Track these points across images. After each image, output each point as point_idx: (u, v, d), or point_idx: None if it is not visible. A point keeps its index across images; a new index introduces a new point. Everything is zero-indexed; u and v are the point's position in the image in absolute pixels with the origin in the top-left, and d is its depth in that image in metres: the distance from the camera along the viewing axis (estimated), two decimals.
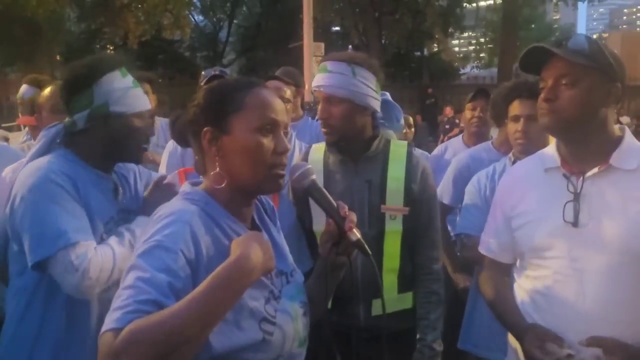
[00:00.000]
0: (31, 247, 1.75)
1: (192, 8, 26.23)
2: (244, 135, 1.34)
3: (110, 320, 1.10)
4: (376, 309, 2.18)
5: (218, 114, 1.36)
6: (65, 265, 1.71)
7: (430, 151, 4.68)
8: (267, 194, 1.54)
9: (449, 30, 27.21)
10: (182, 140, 1.54)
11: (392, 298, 2.20)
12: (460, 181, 3.12)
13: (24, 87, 3.90)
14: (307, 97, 7.97)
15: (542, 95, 1.75)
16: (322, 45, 12.95)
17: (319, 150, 2.32)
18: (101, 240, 1.84)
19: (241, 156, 1.35)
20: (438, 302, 2.24)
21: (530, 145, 2.42)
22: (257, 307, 1.32)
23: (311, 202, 2.17)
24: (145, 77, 4.62)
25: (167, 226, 1.25)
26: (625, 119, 10.45)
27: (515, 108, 2.57)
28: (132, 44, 19.42)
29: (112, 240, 1.84)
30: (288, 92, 4.22)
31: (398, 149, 2.27)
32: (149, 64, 22.79)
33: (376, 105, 2.22)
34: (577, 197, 1.71)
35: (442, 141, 7.59)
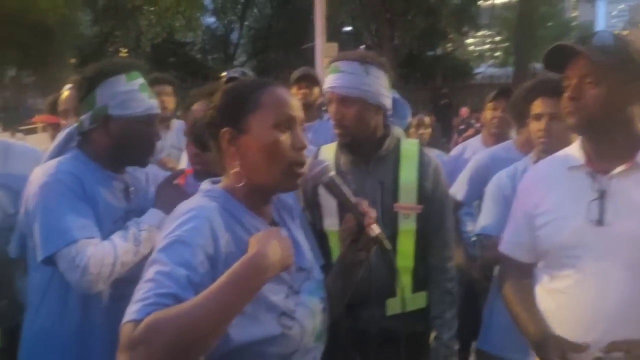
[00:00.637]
0: (40, 244, 1.84)
1: (203, 10, 26.34)
2: (262, 133, 1.36)
3: (130, 312, 1.13)
4: (391, 308, 2.17)
5: (235, 114, 1.38)
6: (67, 262, 1.79)
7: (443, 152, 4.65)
8: (286, 192, 1.54)
9: (463, 29, 27.07)
10: (201, 144, 1.55)
11: (407, 298, 2.19)
12: (477, 179, 3.09)
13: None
14: (321, 98, 7.95)
15: (566, 94, 1.73)
16: (336, 45, 12.86)
17: (329, 150, 2.31)
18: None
19: (260, 154, 1.36)
20: (452, 302, 2.24)
21: (553, 144, 2.39)
22: (277, 301, 1.34)
23: (321, 202, 2.18)
24: (167, 79, 4.64)
25: (187, 222, 1.27)
26: None
27: (538, 106, 2.53)
28: (144, 46, 19.54)
29: (116, 235, 1.89)
30: (316, 91, 4.21)
31: (409, 148, 2.26)
32: (160, 66, 22.82)
33: (388, 103, 2.21)
34: (602, 195, 1.70)
35: (457, 142, 7.54)
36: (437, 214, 2.22)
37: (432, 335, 2.24)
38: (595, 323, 1.64)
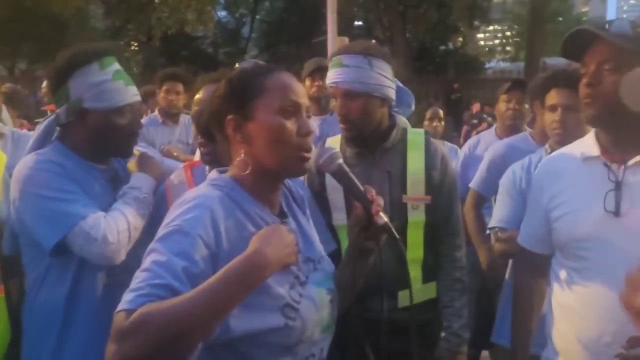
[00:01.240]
0: (44, 235, 1.79)
1: (215, 4, 26.34)
2: (267, 119, 1.34)
3: (124, 302, 1.12)
4: (403, 300, 2.16)
5: (240, 101, 1.37)
6: (83, 238, 1.74)
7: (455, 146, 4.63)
8: (293, 177, 1.53)
9: (475, 24, 26.91)
10: (207, 135, 1.54)
11: (417, 289, 2.18)
12: (494, 171, 3.07)
13: None
14: None
15: (584, 81, 1.70)
16: (347, 39, 12.80)
17: (334, 143, 2.28)
18: None
19: (266, 140, 1.35)
20: (462, 290, 2.22)
21: (568, 135, 2.37)
22: (281, 292, 1.32)
23: (329, 196, 2.16)
24: (180, 76, 4.64)
25: (187, 211, 1.25)
26: None
27: (553, 97, 2.51)
28: (155, 40, 19.56)
29: (117, 204, 1.88)
30: None
31: (416, 138, 2.24)
32: (172, 60, 22.90)
33: (392, 94, 2.19)
34: (618, 186, 1.68)
35: (470, 136, 7.51)
36: (445, 203, 2.21)
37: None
38: (616, 315, 1.62)
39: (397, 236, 1.44)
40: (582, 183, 1.78)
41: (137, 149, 2.09)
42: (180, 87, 4.52)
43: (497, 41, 43.25)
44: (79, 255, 1.80)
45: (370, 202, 1.42)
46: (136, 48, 24.07)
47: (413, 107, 2.49)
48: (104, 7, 22.71)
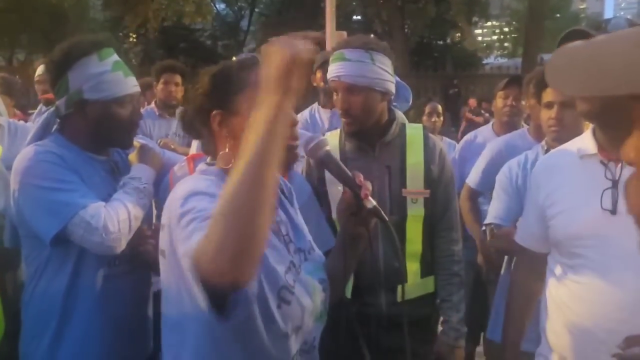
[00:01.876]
0: (44, 225, 1.79)
1: None
2: (251, 112, 1.32)
3: (192, 244, 1.11)
4: (401, 294, 2.15)
5: (224, 96, 1.38)
6: (84, 227, 1.74)
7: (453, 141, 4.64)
8: (282, 167, 1.52)
9: (473, 19, 26.88)
10: (192, 131, 1.54)
11: (416, 283, 2.20)
12: (491, 167, 3.08)
13: (42, 67, 3.93)
14: None
15: None
16: (345, 34, 12.77)
17: (334, 137, 2.29)
18: None
19: None
20: (460, 284, 2.25)
21: (564, 132, 2.37)
22: (279, 272, 1.32)
23: (328, 191, 2.17)
24: (178, 68, 4.65)
25: (192, 197, 1.25)
26: None
27: (549, 94, 2.51)
28: (151, 32, 19.50)
29: (117, 194, 1.88)
30: None
31: (414, 133, 2.26)
32: (170, 52, 22.83)
33: (393, 89, 2.20)
34: (615, 184, 1.67)
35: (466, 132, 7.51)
36: (443, 197, 2.23)
37: (440, 318, 2.27)
38: (612, 313, 1.63)
39: (387, 219, 1.43)
40: (579, 181, 1.78)
41: (138, 141, 2.09)
42: (178, 78, 4.53)
43: (495, 37, 43.23)
44: (79, 245, 1.80)
45: (358, 186, 1.42)
46: (134, 40, 24.00)
47: (411, 102, 2.50)
48: None
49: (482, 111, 13.18)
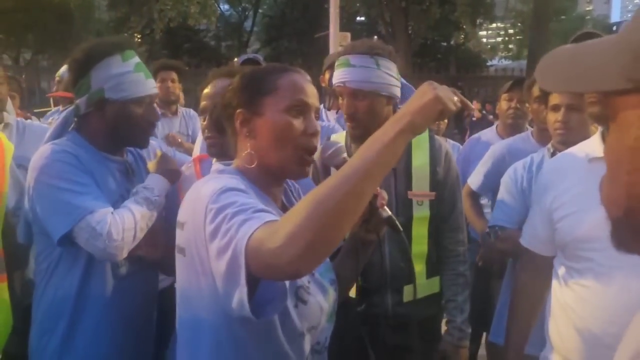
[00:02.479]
0: (53, 224, 1.81)
1: None
2: (275, 116, 1.37)
3: (243, 236, 1.10)
4: (408, 295, 2.20)
5: (251, 96, 1.39)
6: (89, 232, 1.76)
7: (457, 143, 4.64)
8: (291, 179, 1.55)
9: (478, 21, 26.84)
10: (218, 127, 1.56)
11: (421, 284, 2.22)
12: (493, 170, 3.08)
13: (64, 68, 3.97)
14: None
15: None
16: (349, 35, 12.75)
17: (339, 139, 2.31)
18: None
19: (270, 136, 1.37)
20: (465, 284, 2.27)
21: (571, 135, 2.37)
22: None
23: None
24: (173, 65, 4.68)
25: (223, 193, 1.24)
26: None
27: (555, 97, 2.50)
28: (156, 32, 19.54)
29: (128, 202, 1.90)
30: None
31: (420, 135, 2.24)
32: (174, 52, 22.90)
33: (398, 92, 2.22)
34: None
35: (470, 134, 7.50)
36: (449, 198, 2.25)
37: (445, 318, 2.28)
38: (617, 316, 1.63)
39: (401, 229, 1.45)
40: (587, 184, 1.77)
41: (160, 150, 2.13)
42: (174, 75, 4.58)
43: (499, 39, 43.18)
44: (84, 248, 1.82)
45: (374, 195, 1.43)
46: (139, 40, 24.07)
47: None
48: None
49: (484, 112, 13.17)
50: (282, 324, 1.31)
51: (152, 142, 2.20)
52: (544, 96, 2.62)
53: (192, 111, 4.68)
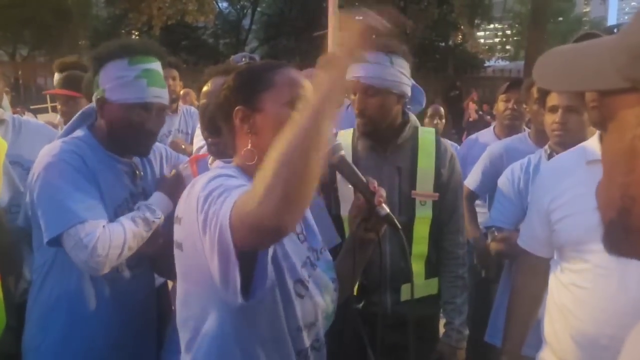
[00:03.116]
0: (45, 224, 1.81)
1: None
2: (276, 110, 1.38)
3: (226, 209, 1.13)
4: (405, 294, 2.21)
5: (249, 93, 1.40)
6: (75, 241, 1.75)
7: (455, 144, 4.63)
8: None
9: (476, 22, 26.86)
10: (212, 127, 1.55)
11: (420, 284, 2.23)
12: (490, 171, 3.08)
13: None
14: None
15: None
16: None
17: (347, 136, 2.32)
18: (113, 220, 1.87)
19: (273, 130, 1.35)
20: (464, 287, 2.28)
21: (568, 137, 2.37)
22: (296, 265, 1.35)
23: (339, 188, 2.18)
24: (172, 63, 4.66)
25: (215, 182, 1.26)
26: None
27: (553, 98, 2.50)
28: (155, 30, 19.49)
29: (124, 218, 1.87)
30: None
31: (427, 136, 2.30)
32: (172, 49, 22.81)
33: (409, 91, 2.24)
34: None
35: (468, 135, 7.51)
36: (451, 201, 2.26)
37: (442, 320, 2.29)
38: (614, 318, 1.63)
39: (399, 227, 1.45)
40: (585, 186, 1.76)
41: (177, 169, 2.11)
42: (175, 73, 4.56)
43: (497, 39, 43.26)
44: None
45: (372, 193, 1.44)
46: (137, 37, 24.00)
47: (424, 105, 2.53)
48: None
49: (481, 112, 13.16)
50: (285, 311, 1.31)
51: (159, 144, 2.19)
52: (543, 97, 2.62)
53: (192, 108, 4.66)
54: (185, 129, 4.59)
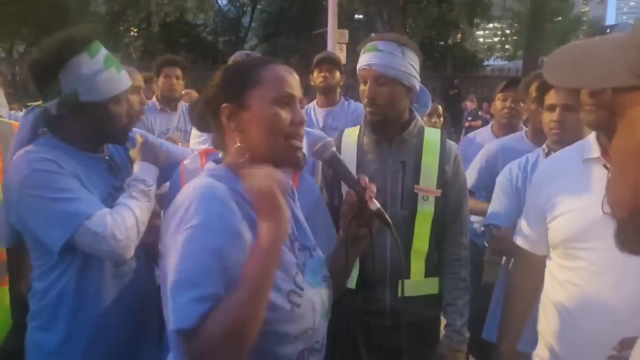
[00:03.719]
0: (50, 237, 1.76)
1: None
2: (262, 108, 1.38)
3: (177, 319, 1.16)
4: (400, 289, 2.17)
5: (236, 90, 1.40)
6: (91, 237, 1.72)
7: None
8: (287, 167, 1.51)
9: (475, 21, 26.88)
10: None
11: (419, 282, 2.22)
12: (486, 169, 3.09)
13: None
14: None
15: (586, 90, 1.70)
16: (347, 32, 12.80)
17: (352, 133, 2.35)
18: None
19: (260, 128, 1.38)
20: (465, 289, 2.26)
21: (566, 135, 2.37)
22: (285, 279, 1.33)
23: (343, 185, 2.18)
24: (178, 62, 4.65)
25: (197, 207, 1.24)
26: None
27: (551, 97, 2.51)
28: (153, 26, 19.47)
29: (123, 198, 1.85)
30: (337, 75, 4.23)
31: (432, 135, 2.30)
32: (171, 47, 22.79)
33: (417, 86, 2.25)
34: None
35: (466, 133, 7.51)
36: (455, 201, 2.25)
37: (443, 321, 2.27)
38: (610, 314, 1.64)
39: (390, 222, 1.46)
40: (581, 184, 1.78)
41: (139, 136, 2.08)
42: (178, 72, 4.55)
43: (496, 39, 43.25)
44: (88, 252, 1.79)
45: (363, 188, 1.45)
46: (135, 34, 23.97)
47: (429, 107, 2.55)
48: None
49: (480, 113, 13.17)
50: (274, 330, 1.29)
51: (141, 136, 2.14)
52: (541, 96, 2.62)
53: None
54: (184, 127, 4.58)
